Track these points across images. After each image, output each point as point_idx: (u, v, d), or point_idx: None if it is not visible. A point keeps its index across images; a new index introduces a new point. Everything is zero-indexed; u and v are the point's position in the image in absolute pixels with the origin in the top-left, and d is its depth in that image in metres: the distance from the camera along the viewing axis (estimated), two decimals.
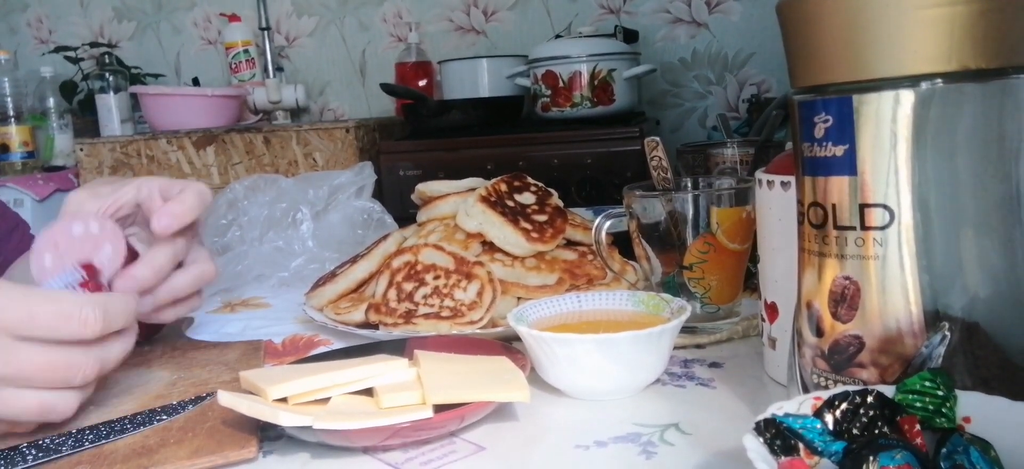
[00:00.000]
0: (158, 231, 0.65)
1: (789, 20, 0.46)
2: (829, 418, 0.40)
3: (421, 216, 0.90)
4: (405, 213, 1.11)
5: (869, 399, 0.39)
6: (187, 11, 2.53)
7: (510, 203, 0.85)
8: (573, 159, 1.72)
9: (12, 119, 2.18)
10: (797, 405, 0.40)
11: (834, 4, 0.42)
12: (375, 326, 0.76)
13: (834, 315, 0.44)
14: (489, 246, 0.82)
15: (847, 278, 0.44)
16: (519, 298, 0.77)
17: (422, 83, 2.24)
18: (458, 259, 0.79)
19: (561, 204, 0.88)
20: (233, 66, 2.33)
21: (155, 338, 0.82)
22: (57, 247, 0.61)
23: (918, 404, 0.39)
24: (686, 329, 0.69)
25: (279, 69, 2.38)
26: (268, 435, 0.56)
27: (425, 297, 0.77)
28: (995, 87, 0.40)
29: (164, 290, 0.67)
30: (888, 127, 0.41)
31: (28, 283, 0.61)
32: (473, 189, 0.88)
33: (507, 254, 0.81)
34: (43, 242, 0.61)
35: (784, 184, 0.57)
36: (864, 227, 0.42)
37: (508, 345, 0.64)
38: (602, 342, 0.57)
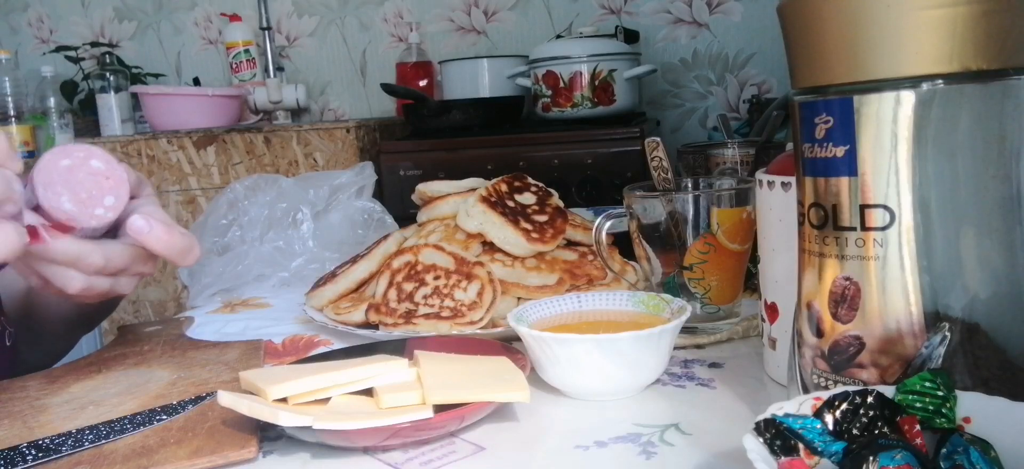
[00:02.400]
0: (131, 228, 0.59)
1: (790, 21, 0.46)
2: (829, 418, 0.40)
3: (421, 216, 0.90)
4: (405, 213, 1.11)
5: (869, 399, 0.39)
6: (188, 11, 2.53)
7: (510, 203, 0.85)
8: (573, 159, 1.72)
9: (13, 119, 2.18)
10: (797, 405, 0.40)
11: (835, 5, 0.42)
12: (375, 326, 0.76)
13: (834, 316, 0.44)
14: (489, 246, 0.82)
15: (847, 279, 0.44)
16: (519, 298, 0.77)
17: (423, 83, 2.24)
18: (458, 259, 0.79)
19: (561, 204, 0.88)
20: (234, 66, 2.34)
21: (150, 335, 0.82)
22: (89, 158, 0.58)
23: (918, 404, 0.39)
24: (686, 329, 0.69)
25: (280, 69, 2.39)
26: (268, 435, 0.56)
27: (425, 297, 0.77)
28: (996, 88, 0.40)
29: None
30: (889, 128, 0.41)
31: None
32: (473, 189, 0.88)
33: (507, 254, 0.81)
34: (82, 149, 0.58)
35: (784, 185, 0.57)
36: (864, 228, 0.42)
37: (508, 345, 0.64)
38: (602, 342, 0.57)
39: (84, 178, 0.58)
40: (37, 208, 0.57)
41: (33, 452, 0.54)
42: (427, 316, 0.74)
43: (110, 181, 0.58)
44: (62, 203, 0.57)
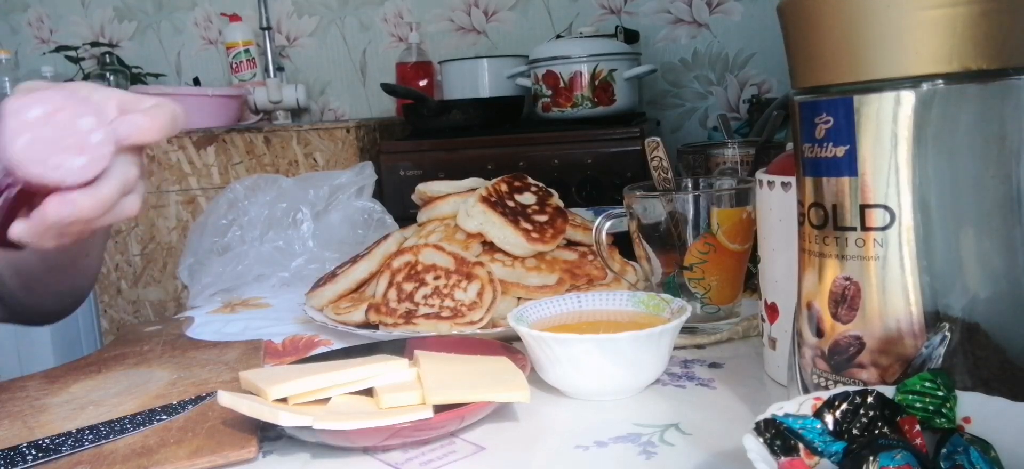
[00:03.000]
0: (123, 137, 0.54)
1: (790, 21, 0.46)
2: (829, 418, 0.40)
3: (421, 216, 0.90)
4: (405, 213, 1.11)
5: (869, 399, 0.39)
6: (188, 11, 2.53)
7: (510, 203, 0.85)
8: (573, 159, 1.72)
9: None
10: (797, 405, 0.40)
11: (835, 5, 0.42)
12: (375, 326, 0.76)
13: (834, 316, 0.44)
14: (489, 246, 0.82)
15: (847, 279, 0.44)
16: (519, 298, 0.77)
17: (423, 83, 2.24)
18: (458, 259, 0.79)
19: (561, 204, 0.88)
20: (234, 66, 2.33)
21: (150, 335, 0.82)
22: (24, 113, 0.50)
23: (918, 404, 0.39)
24: (686, 329, 0.69)
25: (280, 69, 2.38)
26: (268, 435, 0.56)
27: (425, 297, 0.77)
28: (996, 88, 0.40)
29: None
30: (889, 128, 0.41)
31: None
32: (473, 189, 0.88)
33: (507, 254, 0.81)
34: (11, 116, 0.50)
35: (784, 185, 0.57)
36: (865, 228, 0.42)
37: (508, 345, 0.64)
38: (602, 342, 0.57)
39: (49, 132, 0.51)
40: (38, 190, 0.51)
41: (33, 452, 0.54)
42: (427, 316, 0.74)
43: (65, 111, 0.51)
44: (73, 164, 0.51)
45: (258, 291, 1.03)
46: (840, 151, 0.43)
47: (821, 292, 0.45)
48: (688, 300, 0.67)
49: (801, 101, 0.45)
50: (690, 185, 0.77)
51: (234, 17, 2.36)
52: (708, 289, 0.71)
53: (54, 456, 0.53)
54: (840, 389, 0.41)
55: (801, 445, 0.39)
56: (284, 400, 0.55)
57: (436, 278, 0.78)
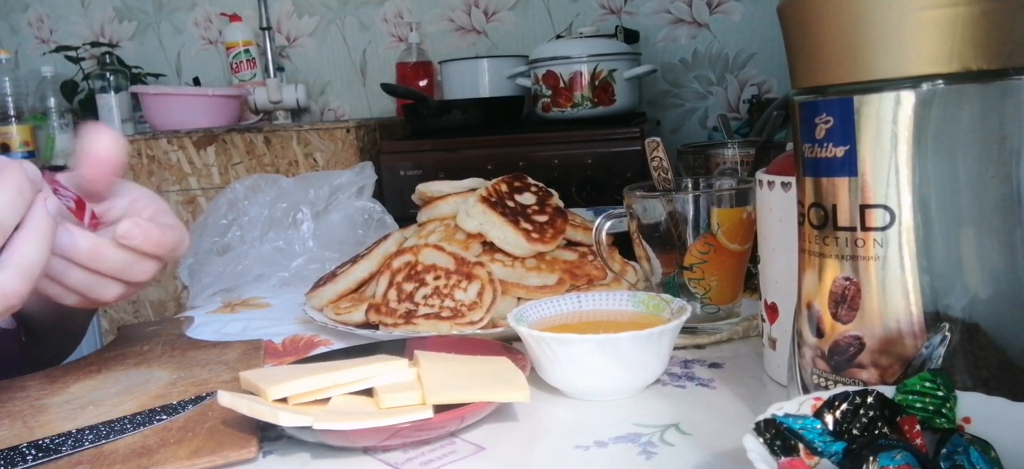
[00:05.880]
0: (121, 234, 0.58)
1: (790, 21, 0.46)
2: (829, 418, 0.40)
3: (421, 216, 0.90)
4: (405, 213, 1.11)
5: (869, 399, 0.39)
6: (188, 11, 2.53)
7: (510, 203, 0.85)
8: (573, 159, 1.72)
9: (13, 118, 2.19)
10: (797, 405, 0.40)
11: (835, 5, 0.42)
12: (375, 326, 0.76)
13: (834, 316, 0.44)
14: (489, 246, 0.82)
15: (847, 279, 0.44)
16: (519, 298, 0.77)
17: (423, 83, 2.24)
18: (458, 259, 0.79)
19: (561, 204, 0.88)
20: (234, 66, 2.33)
21: (150, 335, 0.82)
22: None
23: (918, 405, 0.39)
24: (686, 329, 0.69)
25: (280, 69, 2.39)
26: (268, 435, 0.56)
27: (425, 297, 0.77)
28: (996, 88, 0.40)
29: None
30: (889, 128, 0.41)
31: None
32: (474, 189, 0.88)
33: (507, 254, 0.81)
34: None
35: (784, 185, 0.57)
36: (864, 228, 0.42)
37: (508, 345, 0.64)
38: (602, 342, 0.57)
39: None
40: None
41: (33, 452, 0.54)
42: (427, 316, 0.74)
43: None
44: None
45: (258, 291, 1.03)
46: (840, 151, 0.43)
47: (821, 292, 0.45)
48: (688, 300, 0.67)
49: (801, 101, 0.45)
50: (690, 185, 0.77)
51: (234, 17, 2.36)
52: (708, 289, 0.71)
53: (54, 456, 0.53)
54: (840, 389, 0.41)
55: (801, 445, 0.39)
56: (284, 400, 0.55)
57: (436, 278, 0.78)
